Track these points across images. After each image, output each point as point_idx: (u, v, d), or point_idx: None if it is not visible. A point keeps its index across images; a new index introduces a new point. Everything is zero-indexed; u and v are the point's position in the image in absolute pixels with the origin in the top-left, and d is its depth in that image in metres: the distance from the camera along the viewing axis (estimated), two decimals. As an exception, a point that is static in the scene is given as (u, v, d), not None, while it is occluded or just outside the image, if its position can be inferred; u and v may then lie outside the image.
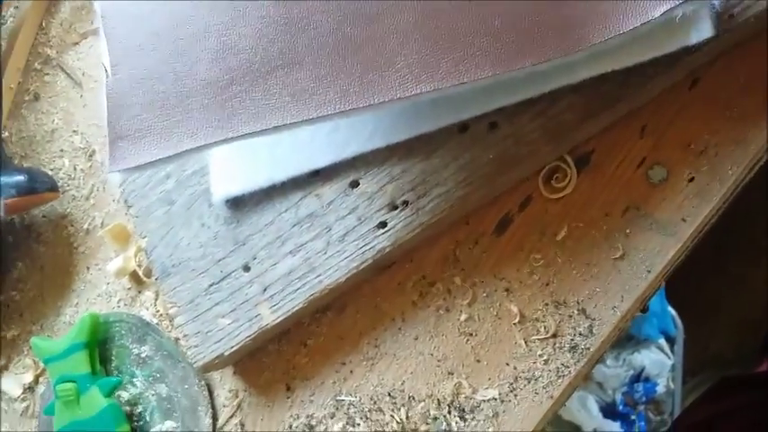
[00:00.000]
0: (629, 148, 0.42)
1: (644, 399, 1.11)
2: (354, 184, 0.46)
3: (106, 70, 0.38)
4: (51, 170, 0.60)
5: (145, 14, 0.39)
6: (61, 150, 0.60)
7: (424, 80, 0.37)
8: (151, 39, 0.39)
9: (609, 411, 1.11)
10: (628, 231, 0.42)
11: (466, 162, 0.43)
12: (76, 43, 0.60)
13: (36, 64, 0.62)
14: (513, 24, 0.37)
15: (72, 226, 0.58)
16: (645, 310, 0.44)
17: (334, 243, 0.46)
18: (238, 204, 0.48)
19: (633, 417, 1.11)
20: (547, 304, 0.43)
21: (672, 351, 1.14)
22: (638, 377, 1.13)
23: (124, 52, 0.39)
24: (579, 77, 0.39)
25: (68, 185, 0.59)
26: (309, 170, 0.46)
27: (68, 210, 0.58)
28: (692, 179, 0.41)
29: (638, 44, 0.37)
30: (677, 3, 0.35)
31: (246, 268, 0.47)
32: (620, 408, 1.10)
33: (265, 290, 0.47)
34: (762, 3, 0.37)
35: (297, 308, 0.46)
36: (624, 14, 0.36)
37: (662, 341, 1.13)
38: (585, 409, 1.12)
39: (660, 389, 1.12)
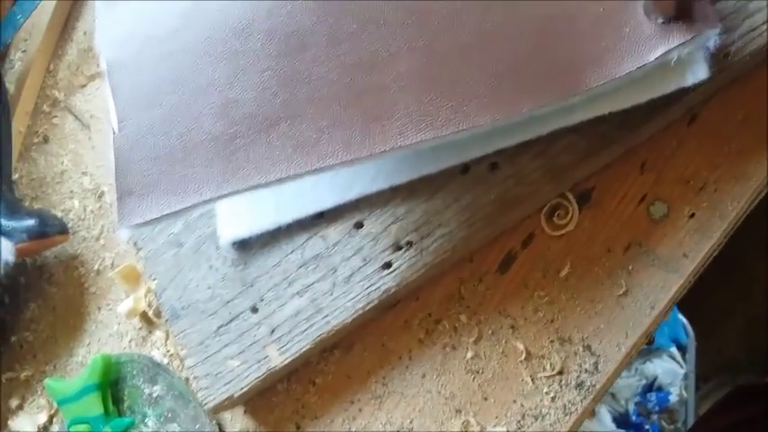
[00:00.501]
0: (630, 184, 0.42)
1: (657, 408, 1.11)
2: (359, 225, 0.46)
3: (113, 127, 0.39)
4: (62, 211, 0.61)
5: (149, 68, 0.40)
6: (71, 192, 0.61)
7: (424, 128, 0.38)
8: (155, 94, 0.40)
9: (622, 422, 1.11)
10: (630, 268, 0.42)
11: (468, 203, 0.43)
12: (84, 85, 0.61)
13: (45, 106, 0.63)
14: (509, 70, 0.37)
15: (83, 267, 0.59)
16: (650, 342, 0.44)
17: (340, 284, 0.46)
18: (245, 247, 0.49)
19: (647, 426, 1.11)
20: (552, 341, 0.43)
21: (684, 359, 1.14)
22: (651, 387, 1.12)
23: (130, 107, 0.40)
24: (577, 120, 0.39)
25: (79, 226, 0.60)
26: (314, 212, 0.47)
27: (79, 251, 0.59)
28: (692, 215, 0.41)
29: (634, 87, 0.38)
30: (672, 46, 0.35)
31: (254, 310, 0.48)
32: (634, 418, 1.10)
33: (273, 331, 0.47)
34: (758, 40, 0.38)
35: (305, 349, 0.46)
36: (619, 59, 0.36)
37: (673, 350, 1.13)
38: (598, 419, 1.12)
39: (673, 398, 1.11)
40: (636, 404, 1.11)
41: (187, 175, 0.38)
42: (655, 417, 1.11)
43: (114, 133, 0.39)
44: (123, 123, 0.39)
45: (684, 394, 1.12)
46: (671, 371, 1.13)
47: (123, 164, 0.39)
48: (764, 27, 0.38)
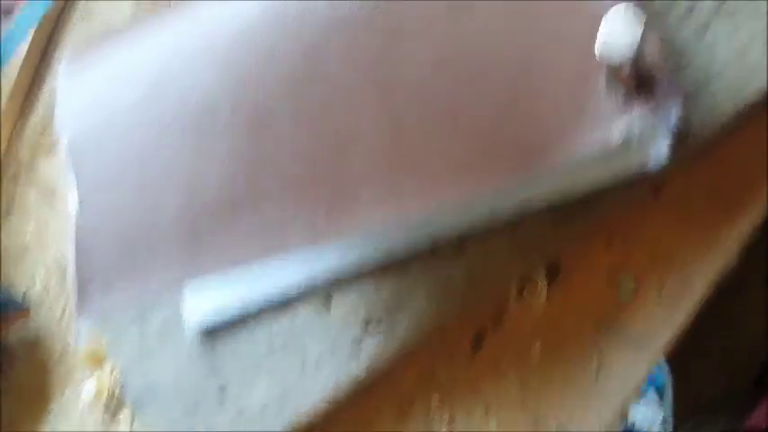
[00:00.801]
0: (597, 259, 0.42)
1: (638, 454, 1.10)
2: (327, 306, 0.45)
3: (73, 209, 0.38)
4: (24, 288, 0.59)
5: (111, 144, 0.39)
6: (33, 268, 0.59)
7: (390, 209, 0.37)
8: (118, 174, 0.39)
9: (603, 468, 1.09)
10: (602, 345, 0.42)
11: (438, 281, 0.43)
12: (46, 156, 0.60)
13: (5, 178, 0.61)
14: (474, 147, 0.37)
15: (45, 348, 0.57)
16: (625, 418, 0.43)
17: (309, 368, 0.45)
18: (212, 330, 0.48)
19: (628, 472, 1.09)
20: (527, 421, 0.42)
21: (661, 402, 1.13)
22: (630, 430, 1.11)
23: (90, 187, 0.39)
24: (542, 198, 0.39)
25: (41, 305, 0.58)
26: (282, 293, 0.46)
27: (41, 331, 0.58)
28: (661, 290, 0.41)
29: (596, 166, 0.38)
30: (634, 122, 0.35)
31: (222, 393, 0.47)
32: (615, 464, 1.08)
33: (241, 416, 0.46)
34: (718, 116, 0.38)
35: (275, 434, 0.45)
36: (583, 135, 0.36)
37: (652, 394, 1.13)
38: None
39: (653, 442, 1.10)
40: (617, 450, 1.10)
41: (149, 261, 0.37)
42: (636, 463, 1.10)
43: (75, 216, 0.38)
44: (83, 205, 0.38)
45: (664, 438, 1.11)
46: (650, 416, 1.12)
47: (83, 249, 0.38)
48: (725, 103, 0.38)
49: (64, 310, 0.57)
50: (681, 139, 0.37)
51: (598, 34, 0.33)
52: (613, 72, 0.34)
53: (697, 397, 1.20)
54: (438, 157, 0.37)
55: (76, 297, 0.37)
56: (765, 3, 0.38)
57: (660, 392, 1.12)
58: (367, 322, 0.44)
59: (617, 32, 0.33)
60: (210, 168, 0.38)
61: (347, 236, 0.36)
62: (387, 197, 0.37)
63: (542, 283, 0.43)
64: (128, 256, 0.37)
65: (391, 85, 0.38)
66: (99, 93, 0.41)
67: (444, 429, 0.44)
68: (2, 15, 0.61)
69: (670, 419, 1.10)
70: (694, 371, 1.16)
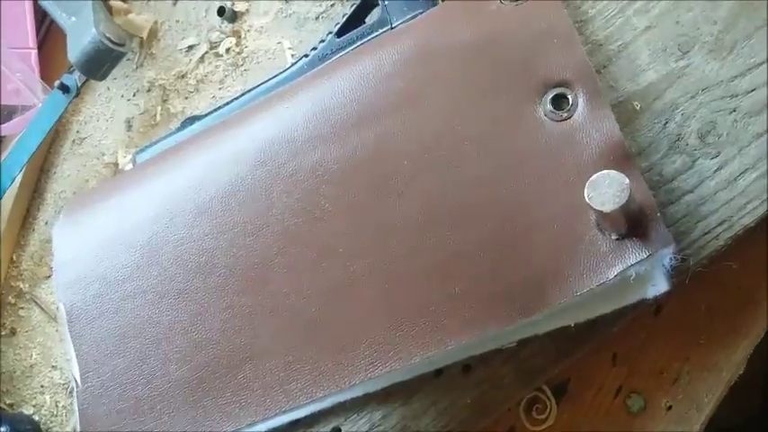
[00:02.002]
0: (604, 376, 0.42)
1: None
2: (336, 431, 0.45)
3: (76, 380, 0.38)
4: (33, 407, 0.59)
5: (110, 314, 0.40)
6: (42, 386, 0.59)
7: (392, 357, 0.37)
8: (118, 342, 0.39)
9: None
10: (614, 462, 0.42)
11: (445, 407, 0.43)
12: (48, 276, 0.61)
13: (10, 298, 0.62)
14: (472, 291, 0.37)
15: (57, 465, 0.57)
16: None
17: (322, 492, 0.45)
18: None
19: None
20: None
21: None
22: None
23: (92, 357, 0.39)
24: (543, 330, 0.39)
25: (51, 422, 0.58)
26: (289, 421, 0.46)
27: (53, 448, 0.58)
28: (669, 407, 0.41)
29: (596, 300, 0.38)
30: (628, 264, 0.35)
31: None
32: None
33: None
34: (713, 243, 0.38)
35: None
36: (579, 275, 0.36)
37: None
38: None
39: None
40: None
41: (155, 427, 0.37)
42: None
43: (77, 387, 0.38)
44: (86, 375, 0.39)
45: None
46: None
47: (88, 420, 0.38)
48: (719, 230, 0.38)
49: (74, 428, 0.57)
50: (677, 269, 0.37)
51: (586, 183, 0.33)
52: (604, 216, 0.34)
53: (711, 422, 1.19)
54: (436, 303, 0.37)
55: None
56: (748, 135, 0.38)
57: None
58: (377, 448, 0.44)
59: (604, 181, 0.33)
60: (210, 329, 0.39)
61: (350, 387, 0.36)
62: (388, 346, 0.37)
63: (551, 402, 0.43)
64: (132, 424, 0.37)
65: (384, 234, 0.38)
66: (94, 260, 0.41)
67: None
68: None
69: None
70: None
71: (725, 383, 0.40)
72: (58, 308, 0.41)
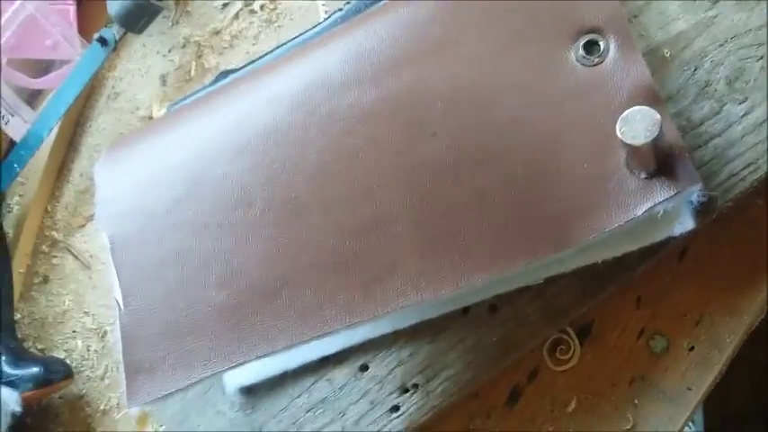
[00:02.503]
0: (627, 318, 0.43)
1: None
2: (364, 368, 0.47)
3: (118, 303, 0.40)
4: (65, 351, 0.61)
5: (151, 243, 0.41)
6: (73, 332, 0.61)
7: (424, 288, 0.38)
8: (159, 268, 0.40)
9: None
10: (636, 401, 0.43)
11: (471, 344, 0.44)
12: (82, 226, 0.62)
13: (44, 247, 0.64)
14: (502, 227, 0.38)
15: (89, 407, 0.59)
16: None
17: (348, 428, 0.46)
18: (252, 391, 0.49)
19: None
20: (565, 476, 0.43)
21: (692, 419, 1.13)
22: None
23: (134, 283, 0.41)
24: (570, 267, 0.41)
25: (83, 366, 0.60)
26: (319, 357, 0.47)
27: (84, 391, 0.59)
28: (692, 348, 0.42)
29: (624, 237, 0.39)
30: (656, 202, 0.36)
31: (265, 455, 0.48)
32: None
33: (285, 477, 0.47)
34: (739, 185, 0.39)
35: (318, 494, 0.46)
36: (608, 213, 0.37)
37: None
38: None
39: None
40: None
41: (194, 348, 0.39)
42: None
43: (120, 310, 0.40)
44: (128, 299, 0.40)
45: (695, 454, 1.10)
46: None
47: (130, 341, 0.39)
48: (745, 172, 0.39)
49: (105, 373, 0.59)
50: (703, 208, 0.38)
51: (619, 118, 0.34)
52: (634, 153, 0.35)
53: (724, 409, 1.20)
54: (468, 237, 0.38)
55: (126, 387, 0.39)
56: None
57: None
58: (403, 386, 0.45)
59: (636, 116, 0.34)
60: (248, 258, 0.40)
61: (383, 315, 0.37)
62: (420, 277, 0.38)
63: (575, 343, 0.44)
64: (173, 346, 0.39)
65: (417, 172, 0.39)
66: (136, 195, 0.43)
67: (484, 489, 0.45)
68: (30, 101, 0.64)
69: (701, 432, 1.10)
70: (721, 383, 1.16)
71: (746, 326, 0.41)
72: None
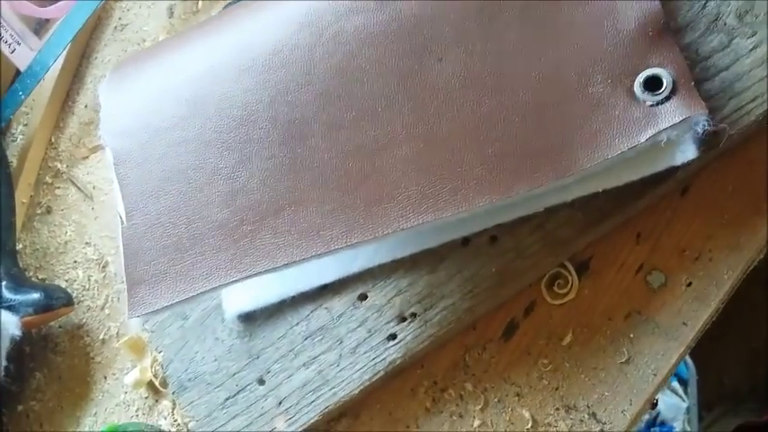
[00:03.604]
0: (627, 254, 0.44)
1: (661, 443, 1.10)
2: (363, 297, 0.47)
3: (121, 218, 0.40)
4: (66, 281, 0.61)
5: (155, 159, 0.41)
6: (75, 262, 0.61)
7: (425, 211, 0.39)
8: (162, 184, 0.41)
9: (626, 457, 1.10)
10: (631, 336, 0.43)
11: (470, 274, 0.44)
12: (86, 157, 0.62)
13: (47, 177, 0.64)
14: (505, 152, 0.38)
15: (88, 336, 0.60)
16: (654, 406, 0.45)
17: (346, 355, 0.47)
18: (250, 319, 0.50)
19: (651, 461, 1.10)
20: (558, 409, 0.44)
21: (686, 393, 1.14)
22: (654, 421, 1.12)
23: (138, 198, 0.41)
24: (572, 196, 0.41)
25: (83, 296, 0.60)
26: (318, 285, 0.47)
27: (84, 320, 0.60)
28: (689, 284, 0.42)
29: (626, 165, 0.39)
30: (660, 129, 0.36)
31: (261, 381, 0.49)
32: (638, 453, 1.10)
33: (281, 403, 0.48)
34: (744, 119, 0.39)
35: (312, 420, 0.47)
36: (611, 139, 0.37)
37: (675, 384, 1.13)
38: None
39: (677, 432, 1.11)
40: (640, 440, 1.11)
41: (195, 262, 0.39)
42: (659, 451, 1.10)
43: (123, 223, 0.40)
44: (131, 213, 0.40)
45: (688, 428, 1.12)
46: (673, 405, 1.13)
47: (132, 253, 0.40)
48: (751, 105, 0.39)
49: (105, 302, 0.60)
50: (708, 138, 0.38)
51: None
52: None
53: (719, 387, 1.21)
54: (471, 161, 0.38)
55: (126, 297, 0.39)
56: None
57: (683, 382, 1.13)
58: (401, 315, 0.46)
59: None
60: (251, 176, 0.40)
61: (384, 236, 0.38)
62: (422, 200, 0.38)
63: (573, 277, 0.44)
64: (174, 260, 0.39)
65: (422, 96, 0.39)
66: (141, 111, 0.43)
67: (477, 414, 0.45)
68: (38, 30, 0.63)
69: (695, 409, 1.11)
70: (716, 361, 1.17)
71: (746, 262, 0.41)
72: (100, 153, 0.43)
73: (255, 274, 0.39)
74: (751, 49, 0.39)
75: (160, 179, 0.41)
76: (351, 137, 0.40)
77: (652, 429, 1.11)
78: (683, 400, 1.13)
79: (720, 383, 1.23)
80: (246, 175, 0.40)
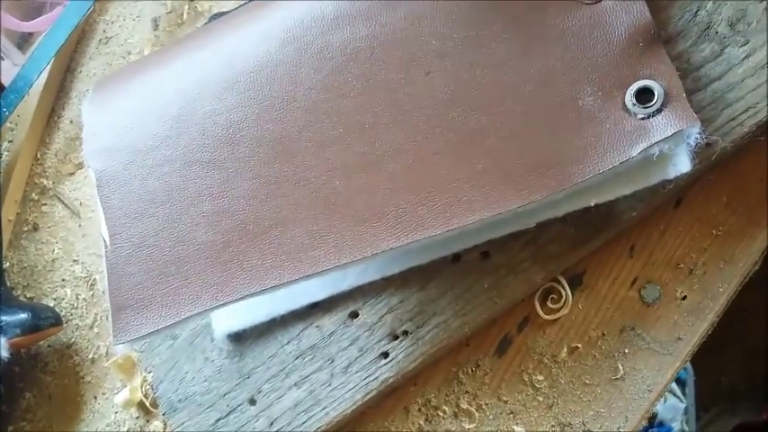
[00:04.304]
0: (620, 268, 0.43)
1: (659, 444, 1.10)
2: (354, 315, 0.46)
3: (105, 241, 0.39)
4: (54, 300, 0.60)
5: (138, 180, 0.40)
6: (63, 280, 0.60)
7: (414, 229, 0.38)
8: (146, 206, 0.40)
9: (625, 458, 1.10)
10: (626, 351, 0.42)
11: (462, 291, 0.44)
12: (72, 173, 0.62)
13: (33, 194, 0.63)
14: (495, 168, 0.38)
15: (77, 355, 0.59)
16: (650, 420, 0.44)
17: (337, 375, 0.46)
18: (240, 338, 0.49)
19: (650, 462, 1.10)
20: (553, 426, 0.43)
21: (683, 393, 1.14)
22: (652, 423, 1.12)
23: (121, 220, 0.40)
24: (563, 211, 0.40)
25: (72, 315, 0.59)
26: (308, 303, 0.47)
27: (73, 339, 0.59)
28: (684, 297, 0.41)
29: (618, 179, 0.38)
30: (652, 142, 0.36)
31: (252, 402, 0.48)
32: (637, 454, 1.09)
33: (272, 424, 0.47)
34: (737, 130, 0.38)
35: (305, 441, 0.46)
36: (602, 154, 0.37)
37: (673, 385, 1.13)
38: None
39: (675, 433, 1.11)
40: (638, 441, 1.10)
41: (181, 287, 0.38)
42: (658, 452, 1.10)
43: (106, 247, 0.39)
44: (115, 237, 0.40)
45: (686, 428, 1.11)
46: (671, 406, 1.13)
47: (116, 278, 0.39)
48: (743, 116, 0.38)
49: (94, 321, 0.59)
50: (701, 152, 0.37)
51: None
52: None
53: (717, 387, 1.20)
54: (460, 178, 0.37)
55: (111, 323, 0.38)
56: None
57: (681, 383, 1.13)
58: (393, 333, 0.45)
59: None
60: (236, 197, 0.39)
61: (373, 257, 0.37)
62: (411, 219, 0.38)
63: (566, 292, 0.44)
64: (159, 284, 0.38)
65: (410, 111, 0.38)
66: (124, 130, 0.42)
67: (472, 435, 0.45)
68: (21, 45, 0.63)
69: (692, 409, 1.11)
70: (714, 361, 1.16)
71: (741, 275, 0.40)
72: (85, 172, 0.42)
73: (243, 297, 0.38)
74: (743, 58, 0.39)
75: (144, 200, 0.40)
76: (338, 154, 0.39)
77: (650, 430, 1.11)
78: (681, 401, 1.12)
79: (718, 383, 1.23)
80: (232, 195, 0.39)
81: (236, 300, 0.38)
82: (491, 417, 0.45)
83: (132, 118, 0.42)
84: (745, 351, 1.19)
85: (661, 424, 1.12)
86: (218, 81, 0.42)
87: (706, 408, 1.18)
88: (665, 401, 1.11)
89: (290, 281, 0.38)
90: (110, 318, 0.39)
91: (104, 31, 0.62)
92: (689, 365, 1.11)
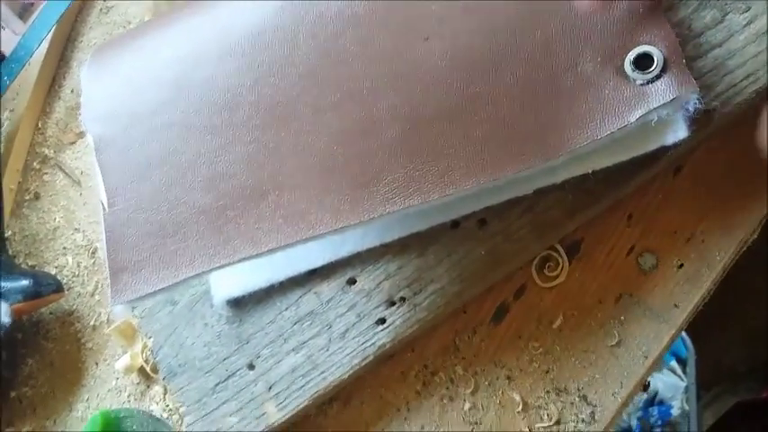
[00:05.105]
0: (618, 236, 0.43)
1: (659, 422, 1.11)
2: (352, 282, 0.46)
3: (103, 204, 0.39)
4: (55, 268, 0.61)
5: (137, 144, 0.41)
6: (64, 248, 0.61)
7: (411, 194, 0.38)
8: (144, 170, 0.40)
9: (625, 437, 1.11)
10: (622, 318, 0.42)
11: (459, 258, 0.44)
12: (73, 143, 0.62)
13: (35, 164, 0.63)
14: (493, 133, 0.38)
15: (79, 322, 0.59)
16: (645, 388, 0.44)
17: (335, 340, 0.46)
18: (239, 304, 0.49)
19: (649, 440, 1.11)
20: (548, 392, 0.44)
21: (684, 372, 1.14)
22: (653, 401, 1.13)
23: (119, 184, 0.40)
24: (561, 178, 0.40)
25: (73, 282, 0.60)
26: (307, 270, 0.47)
27: (74, 306, 0.60)
28: (681, 266, 0.42)
29: (616, 146, 0.38)
30: (651, 108, 0.35)
31: (251, 367, 0.48)
32: (636, 432, 1.10)
33: (270, 388, 0.47)
34: (738, 97, 0.38)
35: (302, 405, 0.47)
36: (601, 120, 0.37)
37: (673, 363, 1.14)
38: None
39: (675, 411, 1.12)
40: (638, 419, 1.11)
41: (179, 249, 0.38)
42: (657, 430, 1.11)
43: (104, 210, 0.39)
44: (113, 200, 0.40)
45: (686, 407, 1.12)
46: (672, 385, 1.13)
47: (114, 240, 0.39)
48: (744, 83, 0.38)
49: (95, 289, 0.59)
50: (700, 118, 0.37)
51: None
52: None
53: (718, 367, 1.21)
54: (458, 144, 0.37)
55: (110, 285, 0.38)
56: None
57: (682, 362, 1.13)
58: (390, 299, 0.45)
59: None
60: (234, 161, 0.39)
61: (370, 221, 0.37)
62: (408, 183, 0.38)
63: (563, 260, 0.44)
64: (157, 246, 0.39)
65: (408, 77, 0.38)
66: (122, 96, 0.42)
67: (468, 397, 0.45)
68: (22, 14, 0.62)
69: (693, 389, 1.11)
70: (715, 341, 1.17)
71: (738, 243, 0.40)
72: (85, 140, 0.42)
73: (240, 260, 0.38)
74: (745, 25, 0.39)
75: (142, 165, 0.40)
76: (335, 119, 0.39)
77: (650, 409, 1.12)
78: (682, 380, 1.13)
79: (719, 363, 1.23)
80: (230, 159, 0.40)
81: (234, 262, 0.38)
82: (487, 382, 0.45)
83: (131, 84, 0.42)
84: (746, 331, 1.19)
85: (661, 402, 1.12)
86: (215, 47, 0.42)
87: (707, 387, 1.18)
88: (666, 380, 1.11)
89: (288, 244, 0.38)
90: (108, 280, 0.40)
91: (105, 1, 0.62)
92: (690, 344, 1.11)
